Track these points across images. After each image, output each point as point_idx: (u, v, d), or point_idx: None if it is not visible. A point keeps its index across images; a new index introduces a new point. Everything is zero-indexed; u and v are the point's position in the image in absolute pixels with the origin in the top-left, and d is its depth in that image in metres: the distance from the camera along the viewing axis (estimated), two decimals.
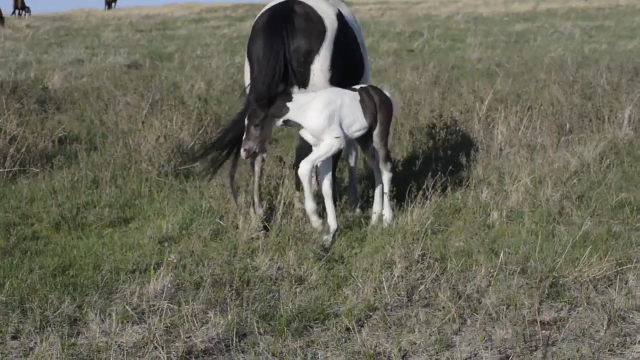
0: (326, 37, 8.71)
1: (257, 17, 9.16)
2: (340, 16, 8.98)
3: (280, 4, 8.99)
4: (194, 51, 29.37)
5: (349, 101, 8.70)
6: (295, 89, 8.70)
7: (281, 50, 8.58)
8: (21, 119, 13.44)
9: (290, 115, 8.53)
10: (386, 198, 9.01)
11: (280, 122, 8.56)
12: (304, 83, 8.73)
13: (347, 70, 9.02)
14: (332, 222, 8.73)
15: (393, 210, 9.02)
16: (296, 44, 8.65)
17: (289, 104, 8.52)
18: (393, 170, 9.04)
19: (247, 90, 8.98)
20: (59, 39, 36.74)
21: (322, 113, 8.51)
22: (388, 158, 9.00)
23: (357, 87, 8.92)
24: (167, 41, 35.33)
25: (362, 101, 8.77)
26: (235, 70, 22.15)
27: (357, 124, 8.73)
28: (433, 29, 35.29)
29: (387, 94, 9.04)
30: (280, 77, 8.58)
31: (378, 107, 8.81)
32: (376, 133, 8.88)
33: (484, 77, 18.47)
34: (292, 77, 8.71)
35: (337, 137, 8.59)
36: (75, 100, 16.79)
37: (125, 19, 53.26)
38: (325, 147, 8.58)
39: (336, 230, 8.71)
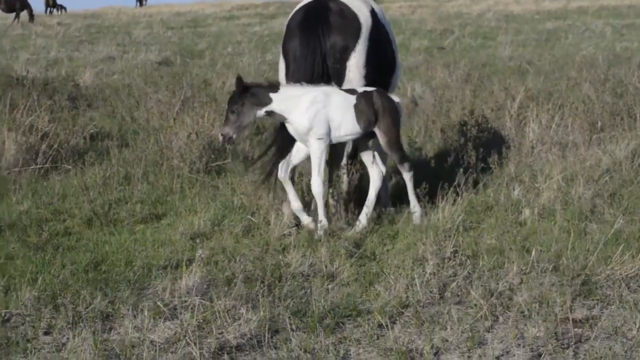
0: (361, 34, 8.82)
1: (291, 14, 9.26)
2: (373, 13, 9.09)
3: (314, 1, 9.07)
4: (225, 48, 29.48)
5: (339, 102, 8.62)
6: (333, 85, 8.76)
7: (317, 48, 8.69)
8: (53, 115, 13.53)
9: (273, 107, 8.54)
10: (412, 196, 8.99)
11: (262, 112, 8.56)
12: (339, 79, 8.81)
13: (380, 67, 9.10)
14: (322, 219, 8.72)
15: (423, 207, 9.02)
16: (332, 41, 8.76)
17: (272, 95, 8.54)
18: (413, 167, 9.06)
19: None
20: (89, 36, 36.99)
21: (307, 111, 8.51)
22: (404, 159, 8.94)
23: (361, 89, 8.79)
24: (198, 38, 35.47)
25: (356, 105, 8.64)
26: (267, 67, 22.21)
27: (345, 127, 8.65)
28: (464, 27, 35.23)
29: (395, 99, 8.91)
30: (318, 74, 8.67)
31: (380, 114, 8.69)
32: (383, 143, 8.80)
33: (515, 75, 18.42)
34: (328, 74, 8.78)
35: (319, 139, 8.58)
36: (106, 96, 16.90)
37: (156, 16, 53.57)
38: (313, 153, 8.62)
39: (326, 227, 8.69)
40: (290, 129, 8.68)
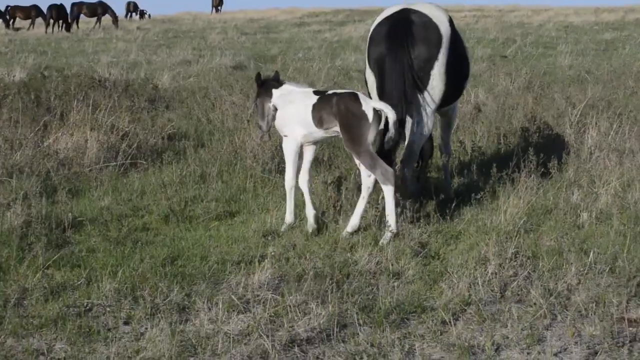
0: (442, 44, 9.18)
1: (374, 26, 9.58)
2: (451, 22, 9.45)
3: (397, 13, 9.43)
4: (296, 54, 29.54)
5: (299, 102, 8.85)
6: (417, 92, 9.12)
7: (405, 58, 9.03)
8: (132, 116, 13.85)
9: (274, 101, 8.98)
10: (389, 212, 8.64)
11: (271, 106, 9.01)
12: (423, 87, 9.16)
13: (458, 74, 9.48)
14: (288, 216, 9.06)
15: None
16: (417, 52, 9.11)
17: (273, 90, 9.02)
18: (393, 182, 8.59)
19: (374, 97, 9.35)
20: (167, 41, 37.31)
21: (281, 110, 8.95)
22: (373, 167, 8.56)
23: (331, 92, 8.87)
24: (270, 44, 35.60)
25: (314, 105, 8.73)
26: (336, 72, 22.30)
27: (302, 126, 8.84)
28: (525, 36, 34.95)
29: (361, 102, 8.56)
30: (408, 83, 9.02)
31: (336, 115, 8.62)
32: (344, 144, 8.88)
33: (575, 83, 18.35)
34: (413, 83, 9.12)
35: (285, 136, 8.99)
36: (183, 98, 17.13)
37: (230, 21, 53.83)
38: (284, 149, 9.07)
39: (292, 224, 9.03)
40: None
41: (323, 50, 30.47)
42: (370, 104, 8.61)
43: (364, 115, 8.52)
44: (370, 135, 8.55)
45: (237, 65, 24.93)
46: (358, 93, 8.76)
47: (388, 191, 8.57)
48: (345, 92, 8.80)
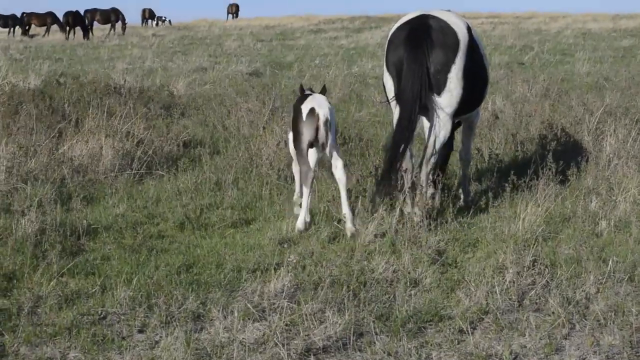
0: (460, 49, 9.34)
1: (393, 31, 9.77)
2: (469, 28, 9.61)
3: (415, 19, 9.64)
4: (312, 60, 29.61)
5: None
6: (434, 95, 9.36)
7: (424, 62, 9.22)
8: (148, 122, 13.83)
9: None
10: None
11: None
12: (440, 89, 9.36)
13: (475, 78, 9.61)
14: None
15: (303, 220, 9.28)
16: (434, 56, 9.29)
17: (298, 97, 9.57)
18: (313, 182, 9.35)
19: (392, 101, 9.64)
20: (183, 47, 37.42)
21: None
22: (299, 163, 9.31)
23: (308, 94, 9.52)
24: (287, 50, 35.67)
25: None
26: (353, 79, 22.30)
27: None
28: (543, 43, 34.92)
29: (303, 100, 9.30)
30: (425, 87, 9.21)
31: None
32: None
33: (593, 90, 18.29)
34: (430, 86, 9.33)
35: None
36: (199, 105, 17.11)
37: (246, 29, 53.97)
38: None
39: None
40: None
41: (339, 57, 30.50)
42: (308, 103, 9.17)
43: (299, 112, 9.19)
44: (305, 133, 9.08)
45: (253, 72, 24.97)
46: (313, 94, 9.47)
47: (305, 192, 9.23)
48: (310, 95, 9.51)
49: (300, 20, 62.92)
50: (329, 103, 9.31)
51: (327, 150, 9.10)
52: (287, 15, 72.12)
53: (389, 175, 9.29)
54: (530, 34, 43.39)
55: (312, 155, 9.18)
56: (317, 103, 9.16)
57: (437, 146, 9.53)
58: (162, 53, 33.68)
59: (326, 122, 9.05)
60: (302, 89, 9.73)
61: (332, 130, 9.15)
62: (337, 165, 9.15)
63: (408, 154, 9.43)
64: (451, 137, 10.12)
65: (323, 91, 9.68)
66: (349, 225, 9.01)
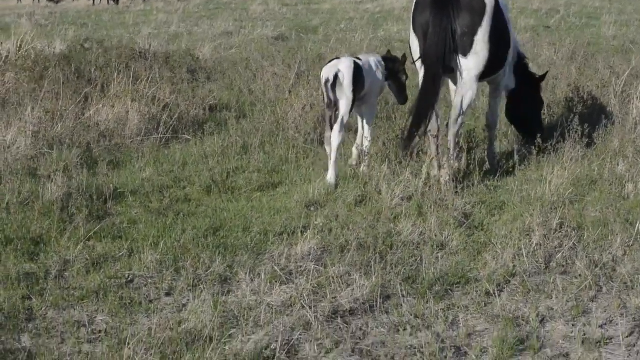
0: (486, 12, 9.42)
1: None
2: None
3: None
4: (338, 25, 29.42)
5: None
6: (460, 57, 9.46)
7: (449, 24, 9.32)
8: (173, 87, 13.79)
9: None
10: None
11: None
12: (465, 52, 9.46)
13: (499, 42, 9.70)
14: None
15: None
16: (461, 18, 9.37)
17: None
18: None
19: (417, 62, 9.74)
20: (208, 12, 37.28)
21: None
22: None
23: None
24: (312, 15, 35.46)
25: None
26: (379, 43, 22.13)
27: None
28: (569, 7, 34.55)
29: (327, 65, 9.80)
30: (449, 49, 9.33)
31: None
32: None
33: (619, 54, 18.12)
34: (457, 47, 9.44)
35: None
36: (225, 70, 17.03)
37: None
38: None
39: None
40: None
41: (365, 21, 30.28)
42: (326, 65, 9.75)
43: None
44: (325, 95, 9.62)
45: (279, 37, 24.82)
46: (344, 58, 9.89)
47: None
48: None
49: None
50: (355, 65, 9.54)
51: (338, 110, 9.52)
52: None
53: (413, 135, 9.32)
54: None
55: (326, 114, 9.68)
56: (329, 65, 9.69)
57: (464, 107, 9.59)
58: (187, 18, 33.55)
59: (326, 82, 9.49)
60: (386, 54, 10.45)
61: (343, 92, 9.48)
62: (334, 129, 9.52)
63: (434, 115, 9.40)
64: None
65: (388, 54, 10.40)
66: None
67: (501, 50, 9.85)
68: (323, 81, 9.55)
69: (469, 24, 9.39)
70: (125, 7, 42.28)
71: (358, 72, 9.56)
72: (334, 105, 9.48)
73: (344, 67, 9.50)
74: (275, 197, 9.21)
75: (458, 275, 7.01)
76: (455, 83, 9.76)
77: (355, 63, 9.61)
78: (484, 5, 9.45)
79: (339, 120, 9.48)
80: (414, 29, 9.76)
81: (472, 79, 9.52)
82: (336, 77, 9.43)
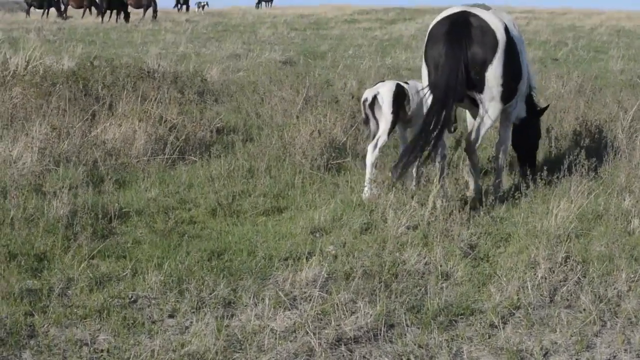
0: (498, 49, 9.48)
1: (434, 24, 9.92)
2: (506, 29, 9.71)
3: (456, 15, 9.77)
4: (346, 51, 29.54)
5: None
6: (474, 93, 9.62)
7: (461, 57, 9.38)
8: (181, 108, 13.82)
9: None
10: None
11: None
12: (478, 87, 9.60)
13: (513, 76, 9.78)
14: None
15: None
16: (472, 53, 9.45)
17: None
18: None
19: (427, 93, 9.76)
20: (216, 34, 37.43)
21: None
22: None
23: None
24: (320, 40, 35.61)
25: None
26: (386, 70, 22.17)
27: None
28: (577, 39, 34.77)
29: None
30: (461, 82, 9.36)
31: None
32: None
33: (627, 88, 18.15)
34: (469, 82, 9.52)
35: None
36: (232, 92, 17.07)
37: (280, 17, 53.96)
38: None
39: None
40: None
41: (373, 48, 30.42)
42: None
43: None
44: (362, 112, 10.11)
45: (287, 61, 24.92)
46: (388, 81, 10.16)
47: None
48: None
49: (334, 10, 62.72)
50: (395, 88, 9.91)
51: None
52: (321, 4, 72.05)
53: (406, 162, 9.40)
54: (564, 29, 43.24)
55: (365, 131, 10.28)
56: (372, 87, 10.15)
57: (482, 132, 9.83)
58: (195, 39, 33.68)
59: (364, 101, 9.92)
60: None
61: (379, 111, 9.85)
62: (369, 147, 9.84)
63: (443, 142, 9.58)
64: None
65: None
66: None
67: (514, 82, 9.88)
68: (362, 99, 9.97)
69: (480, 60, 9.46)
70: (134, 26, 42.47)
71: (400, 96, 9.81)
72: (369, 123, 9.94)
73: (384, 90, 9.81)
74: (280, 222, 9.18)
75: (462, 306, 6.98)
76: (471, 110, 10.03)
77: (398, 86, 9.85)
78: (496, 42, 9.49)
79: (375, 139, 9.80)
80: (425, 59, 9.84)
81: (490, 107, 9.69)
82: (374, 98, 9.78)
